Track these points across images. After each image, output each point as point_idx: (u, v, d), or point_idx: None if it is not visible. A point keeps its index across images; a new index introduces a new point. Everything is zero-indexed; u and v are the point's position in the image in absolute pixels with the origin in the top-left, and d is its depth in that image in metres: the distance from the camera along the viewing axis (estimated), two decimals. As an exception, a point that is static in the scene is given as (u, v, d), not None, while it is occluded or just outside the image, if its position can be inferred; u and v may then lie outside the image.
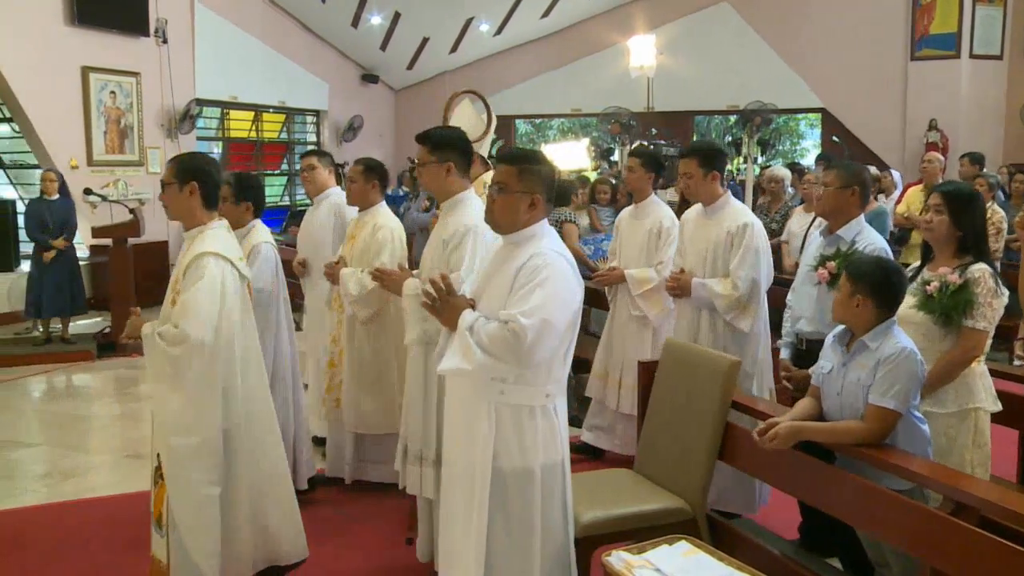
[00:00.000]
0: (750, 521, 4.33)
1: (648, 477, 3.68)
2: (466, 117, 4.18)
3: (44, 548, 4.34)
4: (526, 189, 2.89)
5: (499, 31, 15.64)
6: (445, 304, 2.91)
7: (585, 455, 5.30)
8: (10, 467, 5.57)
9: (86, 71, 10.79)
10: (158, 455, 3.34)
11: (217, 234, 3.40)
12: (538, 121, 19.40)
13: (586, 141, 14.90)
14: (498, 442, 2.83)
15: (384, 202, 4.95)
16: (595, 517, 3.31)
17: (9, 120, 10.76)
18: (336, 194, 5.52)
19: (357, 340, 4.74)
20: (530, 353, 2.71)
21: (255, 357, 3.51)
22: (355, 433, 4.84)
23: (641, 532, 3.25)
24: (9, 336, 9.16)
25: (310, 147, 15.78)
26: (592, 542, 3.29)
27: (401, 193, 11.40)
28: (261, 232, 4.52)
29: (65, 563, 4.19)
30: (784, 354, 4.06)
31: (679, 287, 4.50)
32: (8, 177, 11.29)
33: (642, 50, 14.06)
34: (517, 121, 17.71)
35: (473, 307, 2.91)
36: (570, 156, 13.56)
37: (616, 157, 13.22)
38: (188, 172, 3.39)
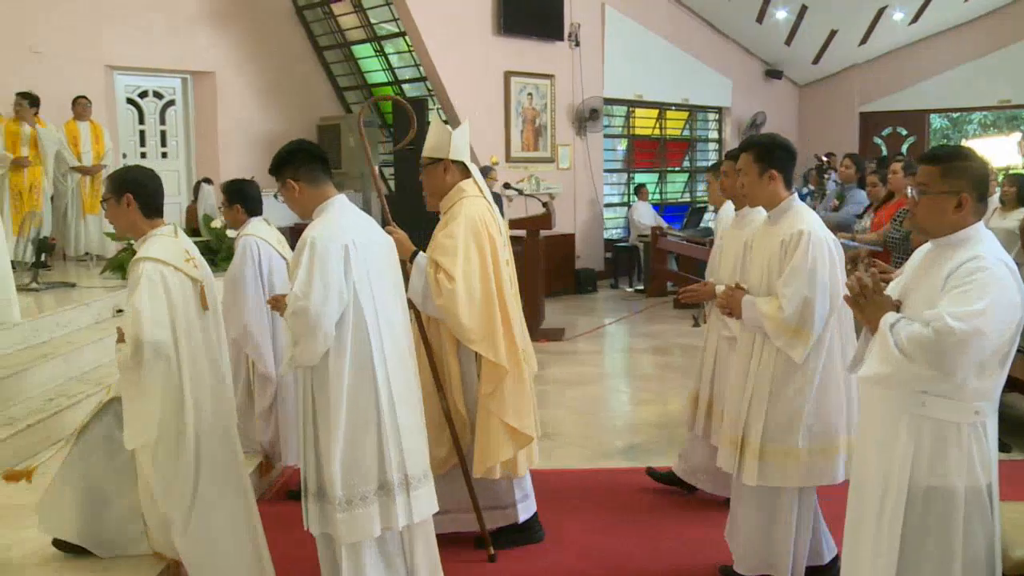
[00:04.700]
0: None
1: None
2: (434, 128, 4.36)
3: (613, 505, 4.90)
4: (951, 189, 2.67)
5: (915, 19, 14.59)
6: (871, 301, 2.78)
7: (678, 488, 4.95)
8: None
9: (508, 75, 11.82)
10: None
11: (156, 241, 3.37)
12: (955, 115, 17.85)
13: (1017, 136, 13.47)
14: (916, 457, 2.68)
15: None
16: (1030, 549, 3.03)
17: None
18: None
19: None
20: (951, 361, 2.48)
21: (209, 360, 3.44)
22: None
23: (1085, 573, 2.93)
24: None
25: (711, 144, 15.88)
26: (1023, 576, 3.02)
27: (805, 191, 11.06)
28: (249, 227, 4.84)
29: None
30: None
31: (729, 304, 3.82)
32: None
33: (1094, 31, 12.41)
34: (931, 116, 16.43)
35: (898, 310, 2.78)
36: (996, 152, 12.37)
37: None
38: (123, 186, 3.38)
